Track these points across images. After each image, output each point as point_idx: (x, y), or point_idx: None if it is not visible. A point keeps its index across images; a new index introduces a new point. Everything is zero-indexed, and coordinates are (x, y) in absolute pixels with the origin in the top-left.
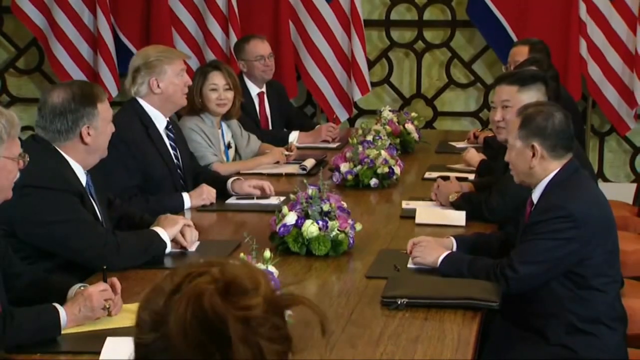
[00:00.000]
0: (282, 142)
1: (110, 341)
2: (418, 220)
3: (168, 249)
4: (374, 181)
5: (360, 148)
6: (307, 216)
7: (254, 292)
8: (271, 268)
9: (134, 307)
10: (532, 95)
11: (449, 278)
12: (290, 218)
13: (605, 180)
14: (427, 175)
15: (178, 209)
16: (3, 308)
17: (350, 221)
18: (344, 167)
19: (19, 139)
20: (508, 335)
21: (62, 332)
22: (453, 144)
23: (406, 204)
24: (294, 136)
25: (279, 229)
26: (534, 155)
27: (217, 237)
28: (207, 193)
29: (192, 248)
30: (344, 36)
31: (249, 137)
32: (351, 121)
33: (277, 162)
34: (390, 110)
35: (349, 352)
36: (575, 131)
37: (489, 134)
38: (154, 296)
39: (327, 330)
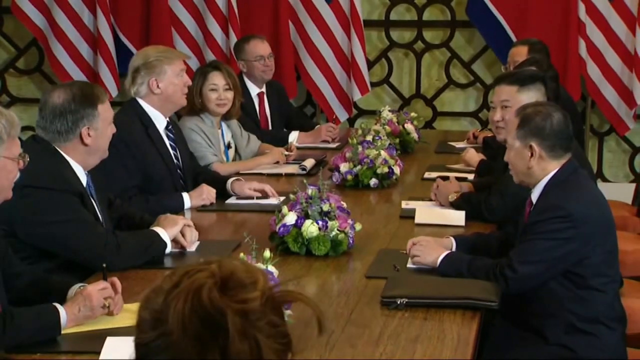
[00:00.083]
0: (282, 142)
1: (110, 341)
2: (417, 220)
3: (168, 249)
4: (373, 181)
5: (360, 148)
6: (306, 216)
7: (252, 287)
8: (271, 268)
9: (134, 306)
10: (531, 95)
11: (448, 278)
12: (290, 218)
13: (605, 180)
14: (427, 175)
15: (178, 209)
16: (3, 308)
17: (350, 221)
18: (344, 167)
19: (19, 139)
20: (507, 335)
21: (62, 332)
22: (452, 144)
23: (406, 204)
24: (293, 136)
25: (279, 229)
26: (532, 155)
27: (217, 237)
28: (207, 193)
29: (192, 248)
30: (344, 36)
31: (248, 137)
32: (351, 121)
33: (277, 162)
34: (389, 111)
35: (349, 351)
36: (574, 131)
37: (488, 134)
38: (154, 296)
39: (324, 327)
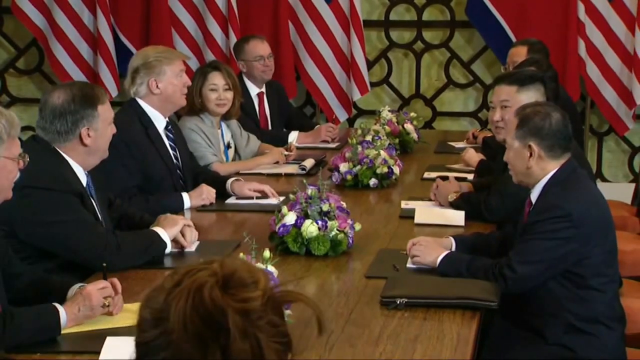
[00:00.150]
0: (282, 142)
1: (110, 341)
2: (417, 220)
3: (168, 249)
4: (373, 181)
5: (360, 148)
6: (306, 216)
7: (253, 286)
8: (271, 268)
9: (134, 306)
10: (531, 95)
11: (448, 278)
12: (290, 218)
13: (604, 180)
14: (426, 175)
15: (178, 209)
16: (3, 308)
17: (349, 221)
18: (343, 167)
19: (19, 139)
20: (507, 334)
21: (62, 331)
22: (452, 144)
23: (405, 204)
24: (293, 136)
25: (279, 228)
26: (531, 155)
27: (216, 237)
28: (206, 193)
29: (192, 248)
30: (344, 36)
31: (248, 137)
32: (350, 121)
33: (277, 162)
34: (389, 111)
35: (348, 351)
36: (573, 131)
37: (487, 134)
38: (156, 294)
39: (324, 327)
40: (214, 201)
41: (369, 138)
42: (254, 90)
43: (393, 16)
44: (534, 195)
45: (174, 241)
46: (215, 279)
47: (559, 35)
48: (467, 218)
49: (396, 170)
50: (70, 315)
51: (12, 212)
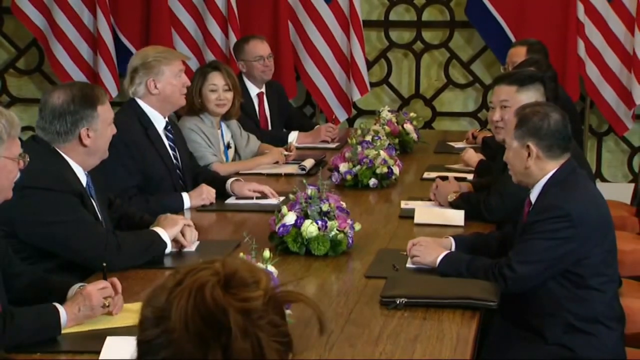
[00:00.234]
0: (282, 142)
1: (110, 340)
2: (417, 220)
3: (168, 249)
4: (373, 181)
5: (359, 148)
6: (306, 216)
7: (254, 286)
8: (270, 268)
9: (134, 306)
10: (530, 95)
11: (447, 278)
12: (290, 218)
13: (603, 180)
14: (426, 175)
15: (178, 209)
16: (3, 308)
17: (349, 221)
18: (343, 167)
19: (20, 139)
20: (506, 334)
21: (62, 331)
22: (452, 144)
23: (405, 204)
24: (293, 136)
25: (278, 228)
26: (529, 155)
27: (216, 237)
28: (206, 193)
29: (192, 248)
30: (343, 37)
31: (248, 138)
32: (350, 121)
33: (277, 162)
34: (389, 111)
35: (348, 351)
36: (573, 131)
37: (487, 134)
38: (157, 293)
39: (325, 328)
40: (214, 201)
41: (368, 138)
42: (253, 90)
43: (393, 16)
44: (533, 195)
45: (174, 241)
46: (217, 279)
47: (559, 36)
48: (467, 218)
49: (396, 170)
50: (71, 315)
51: (12, 212)
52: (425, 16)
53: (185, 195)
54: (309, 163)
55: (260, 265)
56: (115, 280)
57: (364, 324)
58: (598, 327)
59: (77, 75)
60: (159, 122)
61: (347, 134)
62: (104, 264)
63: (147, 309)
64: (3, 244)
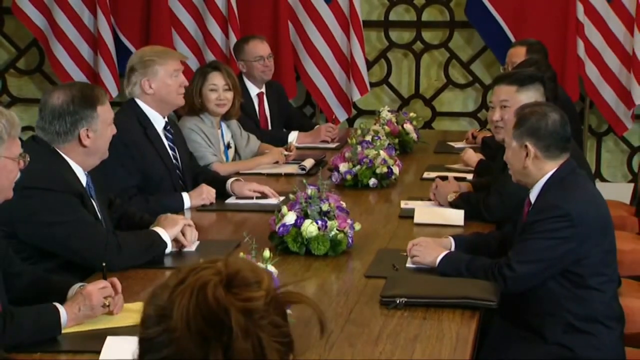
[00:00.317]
0: (282, 142)
1: (110, 340)
2: (417, 220)
3: (168, 249)
4: (372, 181)
5: (359, 148)
6: (306, 216)
7: (256, 286)
8: (270, 268)
9: (134, 306)
10: (530, 95)
11: (447, 277)
12: (290, 218)
13: (603, 180)
14: (426, 175)
15: (178, 209)
16: (3, 308)
17: (349, 221)
18: (343, 167)
19: (20, 139)
20: (506, 334)
21: (63, 331)
22: (451, 144)
23: (405, 204)
24: (293, 136)
25: (279, 228)
26: (527, 155)
27: (216, 236)
28: (206, 193)
29: (192, 248)
30: (343, 37)
31: (248, 137)
32: (350, 121)
33: (277, 162)
34: (389, 111)
35: (348, 351)
36: (572, 131)
37: (487, 134)
38: (160, 292)
39: (325, 328)
40: (214, 201)
41: (368, 138)
42: (253, 90)
43: (392, 16)
44: (533, 195)
45: (175, 241)
46: (219, 278)
47: (558, 36)
48: (467, 218)
49: (396, 170)
50: (71, 314)
51: (13, 212)
52: (425, 16)
53: (185, 195)
54: (309, 163)
55: (260, 265)
56: (115, 280)
57: (363, 324)
58: (597, 326)
59: (78, 76)
60: (158, 122)
61: (347, 134)
62: (104, 264)
63: (149, 306)
64: (3, 244)
